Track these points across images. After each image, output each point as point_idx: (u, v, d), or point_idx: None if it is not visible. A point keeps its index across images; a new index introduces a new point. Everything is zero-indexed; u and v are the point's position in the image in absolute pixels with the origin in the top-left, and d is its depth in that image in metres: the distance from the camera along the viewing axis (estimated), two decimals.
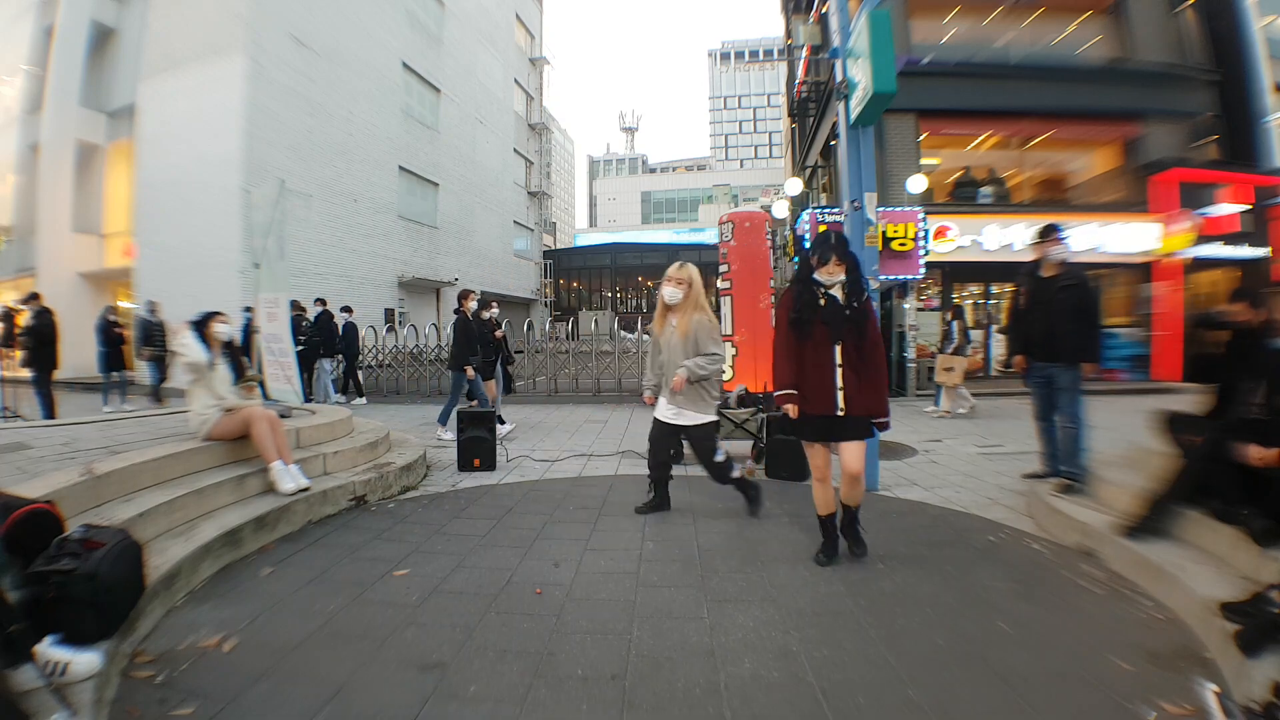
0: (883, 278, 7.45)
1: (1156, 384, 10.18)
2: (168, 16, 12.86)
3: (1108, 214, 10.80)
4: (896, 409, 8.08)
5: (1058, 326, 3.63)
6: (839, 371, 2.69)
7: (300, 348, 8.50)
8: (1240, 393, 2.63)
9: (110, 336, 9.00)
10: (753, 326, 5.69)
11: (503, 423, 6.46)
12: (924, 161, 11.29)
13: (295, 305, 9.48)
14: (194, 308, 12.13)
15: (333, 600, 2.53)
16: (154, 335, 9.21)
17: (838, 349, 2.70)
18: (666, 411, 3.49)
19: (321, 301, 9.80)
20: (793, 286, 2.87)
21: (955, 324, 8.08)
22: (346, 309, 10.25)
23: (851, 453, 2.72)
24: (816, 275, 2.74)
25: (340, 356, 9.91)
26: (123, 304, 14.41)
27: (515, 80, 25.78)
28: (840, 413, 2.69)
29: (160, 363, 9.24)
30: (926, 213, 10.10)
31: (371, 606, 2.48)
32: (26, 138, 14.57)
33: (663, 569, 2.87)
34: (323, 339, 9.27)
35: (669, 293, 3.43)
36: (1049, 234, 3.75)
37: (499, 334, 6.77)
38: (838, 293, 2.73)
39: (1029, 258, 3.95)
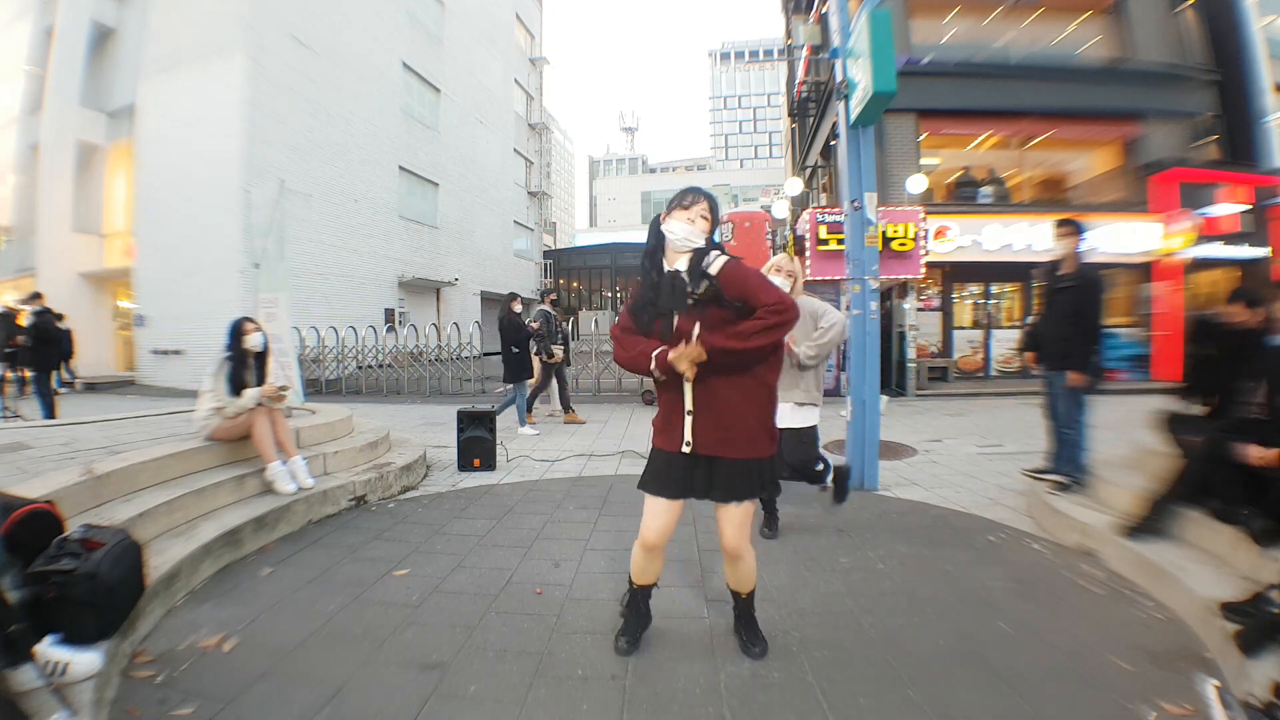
0: (883, 277, 7.45)
1: (1156, 384, 10.17)
2: (168, 16, 12.85)
3: (1108, 214, 10.78)
4: (896, 409, 8.16)
5: (1051, 330, 3.59)
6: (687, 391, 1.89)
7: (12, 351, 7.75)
8: (1240, 393, 2.63)
9: (518, 336, 6.80)
10: None
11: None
12: (924, 161, 11.27)
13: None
14: (194, 307, 12.00)
15: (333, 600, 2.53)
16: (556, 332, 7.41)
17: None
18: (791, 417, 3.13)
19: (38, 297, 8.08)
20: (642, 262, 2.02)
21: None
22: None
23: (728, 521, 1.97)
24: (664, 225, 1.93)
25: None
26: (122, 303, 14.43)
27: (515, 80, 25.75)
28: (687, 448, 1.90)
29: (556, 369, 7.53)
30: (926, 213, 10.09)
31: (371, 606, 2.48)
32: (26, 138, 14.56)
33: (663, 569, 2.85)
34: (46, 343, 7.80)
35: (777, 284, 3.00)
36: (1064, 227, 3.60)
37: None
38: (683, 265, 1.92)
39: (1050, 254, 3.81)
